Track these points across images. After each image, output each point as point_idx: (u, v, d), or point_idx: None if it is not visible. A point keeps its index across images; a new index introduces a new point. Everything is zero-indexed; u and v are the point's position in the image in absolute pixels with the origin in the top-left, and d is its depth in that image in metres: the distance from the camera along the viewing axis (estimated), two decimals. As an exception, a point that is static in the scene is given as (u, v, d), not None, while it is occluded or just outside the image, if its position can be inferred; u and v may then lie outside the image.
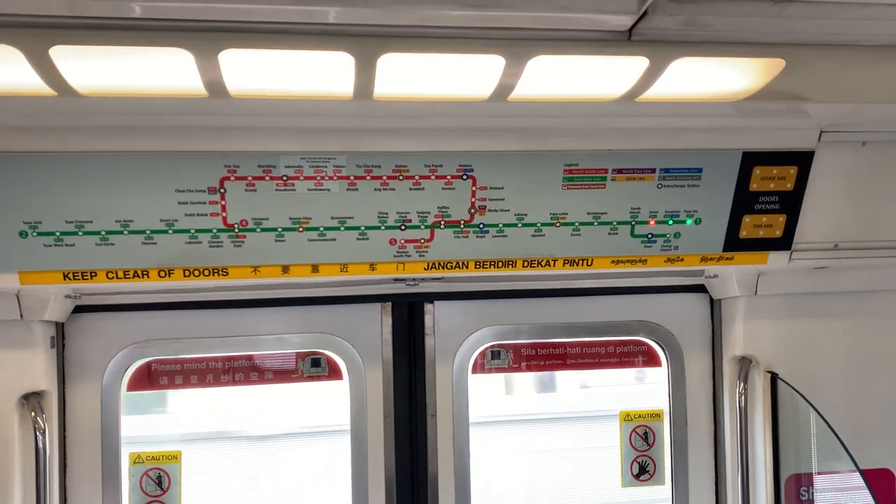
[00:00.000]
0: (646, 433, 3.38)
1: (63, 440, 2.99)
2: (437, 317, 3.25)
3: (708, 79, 2.26)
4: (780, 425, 3.15)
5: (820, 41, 2.08)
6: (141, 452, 3.08)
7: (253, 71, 2.06)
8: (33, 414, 2.75)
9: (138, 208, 2.52)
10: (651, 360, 3.44)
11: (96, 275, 2.58)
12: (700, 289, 3.35)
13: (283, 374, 3.24)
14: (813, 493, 3.18)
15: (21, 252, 2.50)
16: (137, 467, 3.07)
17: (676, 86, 2.23)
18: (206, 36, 1.89)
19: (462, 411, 3.25)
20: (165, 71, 2.02)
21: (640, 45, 2.01)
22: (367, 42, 1.94)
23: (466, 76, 2.14)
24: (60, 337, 2.99)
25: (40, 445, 2.73)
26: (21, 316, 2.73)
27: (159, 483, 3.07)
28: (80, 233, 2.51)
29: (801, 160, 2.74)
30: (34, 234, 2.49)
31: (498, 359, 3.38)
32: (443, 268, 2.79)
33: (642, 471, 3.37)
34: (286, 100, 2.28)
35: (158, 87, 2.11)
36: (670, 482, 3.37)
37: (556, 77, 2.16)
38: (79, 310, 2.99)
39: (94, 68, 2.00)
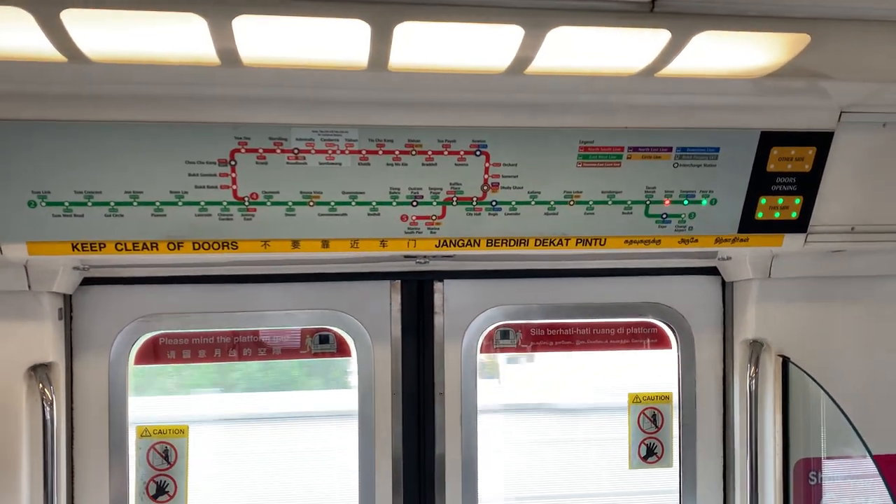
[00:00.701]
0: (654, 415, 3.36)
1: (70, 412, 2.98)
2: (447, 295, 3.22)
3: (730, 54, 2.22)
4: (791, 409, 3.13)
5: (846, 16, 2.03)
6: (148, 426, 3.07)
7: (267, 39, 2.02)
8: (41, 385, 2.74)
9: (148, 179, 2.49)
10: (661, 342, 3.41)
11: (105, 246, 2.56)
12: (712, 271, 3.31)
13: (290, 350, 3.22)
14: (822, 477, 3.16)
15: (29, 222, 2.48)
16: (144, 440, 3.06)
17: (697, 61, 2.19)
18: (220, 1, 1.85)
19: (470, 390, 3.23)
20: (178, 38, 1.98)
21: (663, 17, 1.96)
22: (383, 10, 1.90)
23: (484, 47, 2.10)
24: (68, 309, 2.97)
25: (48, 417, 2.73)
26: (29, 287, 2.71)
27: (166, 457, 3.07)
28: (90, 203, 2.49)
29: (820, 141, 2.69)
30: (43, 203, 2.46)
31: (507, 338, 3.35)
32: (454, 245, 2.76)
33: (650, 453, 3.35)
34: (298, 71, 2.24)
35: (170, 54, 2.07)
36: (678, 464, 3.36)
37: (576, 50, 2.12)
38: (87, 282, 2.97)
39: (105, 34, 1.96)
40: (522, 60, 2.13)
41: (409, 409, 3.21)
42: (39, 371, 2.77)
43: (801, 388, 3.12)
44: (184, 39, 1.98)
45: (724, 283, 3.33)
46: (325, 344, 3.23)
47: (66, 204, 2.47)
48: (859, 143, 2.73)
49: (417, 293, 3.22)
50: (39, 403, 2.74)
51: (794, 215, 2.81)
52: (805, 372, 3.06)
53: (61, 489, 2.85)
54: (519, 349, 3.40)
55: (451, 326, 3.22)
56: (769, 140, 2.67)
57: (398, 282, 3.20)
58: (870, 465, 3.08)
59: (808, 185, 2.76)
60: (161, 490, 3.06)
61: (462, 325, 3.23)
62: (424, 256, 3.03)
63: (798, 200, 2.79)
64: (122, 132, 2.40)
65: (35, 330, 2.78)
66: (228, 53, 2.03)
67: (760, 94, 2.58)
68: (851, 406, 3.02)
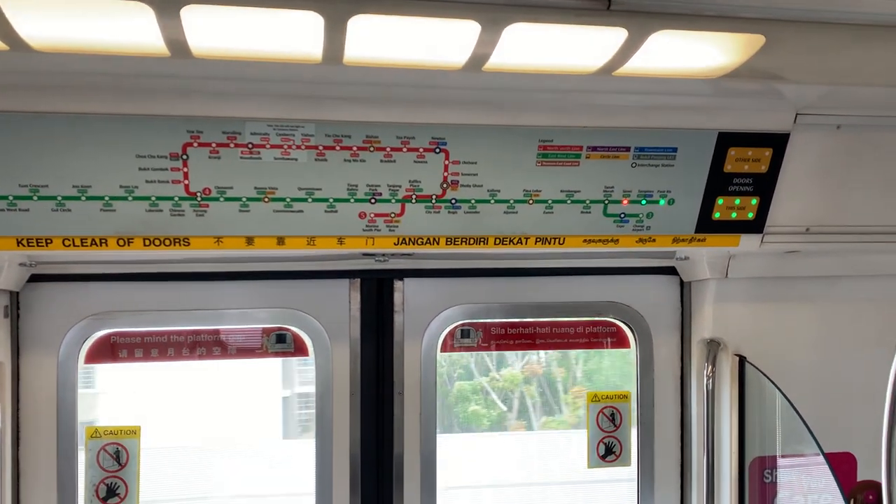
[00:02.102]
0: (613, 414, 3.37)
1: (16, 413, 2.89)
2: (407, 294, 3.20)
3: (686, 54, 2.22)
4: (747, 408, 3.16)
5: (800, 17, 2.04)
6: (98, 427, 3.00)
7: (217, 30, 1.97)
8: None
9: (96, 173, 2.42)
10: (620, 341, 3.42)
11: (52, 242, 2.49)
12: (670, 271, 3.34)
13: (247, 350, 3.16)
14: (776, 475, 3.20)
15: None
16: (95, 441, 2.98)
17: (654, 60, 2.19)
18: None
19: (430, 390, 3.21)
20: (126, 27, 1.93)
21: (620, 16, 1.96)
22: (337, 2, 1.86)
23: (441, 43, 2.07)
24: (15, 307, 2.89)
25: None
26: None
27: (117, 458, 2.99)
28: (35, 197, 2.41)
29: (776, 142, 2.72)
30: None
31: (467, 337, 3.34)
32: (413, 243, 2.73)
33: (608, 451, 3.36)
34: (253, 63, 2.20)
35: (118, 44, 2.01)
36: (636, 463, 3.37)
37: (533, 47, 2.10)
38: (36, 279, 2.89)
39: (48, 21, 1.90)
40: (480, 57, 2.12)
41: (368, 409, 3.18)
42: None
43: (757, 387, 3.15)
44: (132, 29, 1.93)
45: (682, 283, 3.35)
46: (282, 343, 3.18)
47: (11, 198, 2.40)
48: (814, 145, 2.77)
49: (377, 292, 3.19)
50: None
51: (750, 216, 2.84)
52: (761, 371, 3.09)
53: (6, 492, 2.76)
54: (479, 348, 3.39)
55: (412, 325, 3.19)
56: (726, 141, 2.69)
57: (357, 280, 3.16)
58: (822, 463, 3.13)
59: (764, 185, 2.79)
60: (112, 492, 2.98)
61: (422, 324, 3.20)
62: (384, 254, 3.00)
63: (754, 201, 2.81)
64: (69, 124, 2.33)
65: None
66: (178, 45, 1.98)
67: (717, 94, 2.60)
68: (805, 405, 3.06)
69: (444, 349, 3.28)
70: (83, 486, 2.98)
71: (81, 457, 2.98)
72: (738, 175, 2.76)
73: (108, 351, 3.05)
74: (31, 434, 2.92)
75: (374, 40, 2.03)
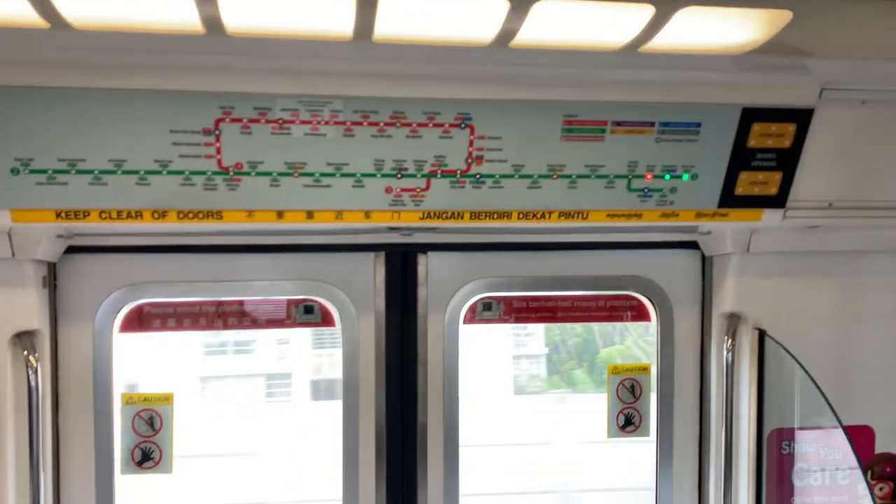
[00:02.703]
0: (632, 386, 3.42)
1: (55, 380, 3.00)
2: (430, 267, 3.25)
3: (712, 30, 2.24)
4: (766, 381, 3.20)
5: None
6: (133, 394, 3.10)
7: (252, 7, 2.01)
8: (25, 353, 2.75)
9: (132, 148, 2.49)
10: (641, 314, 3.46)
11: (89, 214, 2.56)
12: (692, 245, 3.36)
13: (275, 320, 3.24)
14: (794, 447, 3.25)
15: (13, 189, 2.47)
16: (129, 408, 3.08)
17: (680, 36, 2.21)
18: None
19: (452, 361, 3.27)
20: (162, 5, 1.97)
21: None
22: None
23: (469, 20, 2.10)
24: (52, 277, 2.97)
25: (32, 384, 2.74)
26: (13, 254, 2.71)
27: (151, 424, 3.09)
28: (73, 171, 2.48)
29: (801, 117, 2.72)
30: (26, 171, 2.46)
31: (489, 310, 3.39)
32: (438, 218, 2.78)
33: (628, 422, 3.42)
34: (283, 41, 2.24)
35: (154, 21, 2.06)
36: (655, 434, 3.43)
37: (560, 24, 2.13)
38: (71, 250, 2.97)
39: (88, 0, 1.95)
40: (507, 33, 2.14)
41: (393, 379, 3.25)
42: (24, 339, 2.77)
43: (777, 360, 3.19)
44: (168, 7, 1.97)
45: (703, 257, 3.38)
46: (310, 314, 3.25)
47: (50, 171, 2.47)
48: (839, 120, 2.77)
49: (401, 265, 3.24)
50: (24, 371, 2.75)
51: (773, 191, 2.85)
52: (780, 345, 3.12)
53: (47, 455, 2.87)
54: (501, 321, 3.44)
55: (435, 298, 3.25)
56: (750, 116, 2.70)
57: (382, 254, 3.22)
58: (841, 436, 3.17)
59: (787, 161, 2.80)
60: (146, 456, 3.09)
61: (445, 297, 3.26)
62: (409, 228, 3.05)
63: (777, 176, 2.83)
64: (107, 100, 2.39)
65: (19, 297, 2.78)
66: (212, 22, 2.03)
67: (742, 70, 2.60)
68: (824, 379, 3.09)
69: (466, 322, 3.33)
70: (119, 450, 3.09)
71: (117, 423, 3.08)
72: (762, 150, 2.77)
73: (142, 321, 3.14)
74: (69, 401, 3.03)
75: (404, 17, 2.07)
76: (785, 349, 3.12)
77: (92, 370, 3.03)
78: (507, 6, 1.98)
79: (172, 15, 2.01)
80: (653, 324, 3.42)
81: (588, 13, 2.07)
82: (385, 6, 1.98)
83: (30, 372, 2.74)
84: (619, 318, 3.48)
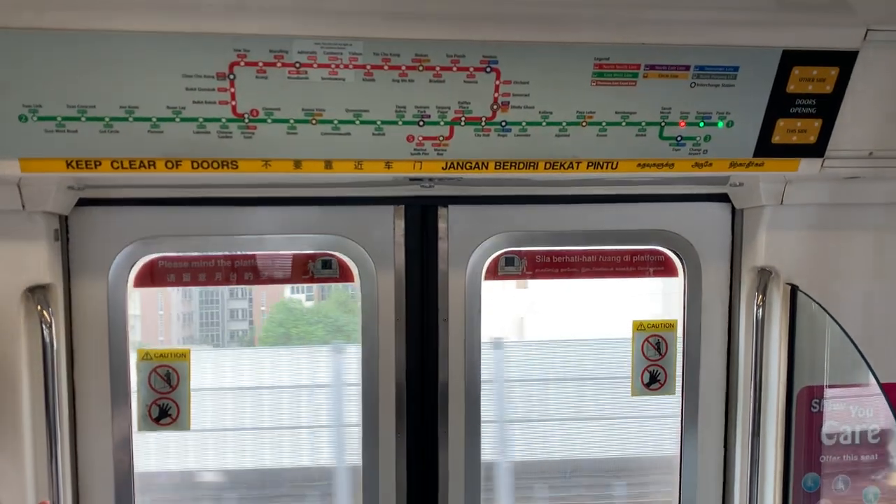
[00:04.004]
0: (658, 343, 3.34)
1: (70, 335, 2.94)
2: (451, 221, 3.16)
3: None
4: (797, 338, 3.11)
5: None
6: (149, 349, 3.05)
7: None
8: (39, 307, 2.69)
9: (143, 94, 2.38)
10: (667, 269, 3.37)
11: (101, 164, 2.47)
12: (721, 198, 3.25)
13: (293, 275, 3.17)
14: (824, 405, 3.17)
15: (21, 137, 2.38)
16: (146, 363, 3.03)
17: None
18: None
19: (474, 317, 3.20)
20: None
21: None
22: None
23: None
24: (65, 230, 2.90)
25: (47, 339, 2.69)
26: (23, 206, 2.63)
27: (168, 380, 3.04)
28: (83, 118, 2.39)
29: (844, 61, 2.59)
30: (34, 118, 2.36)
31: (512, 265, 3.31)
32: (461, 168, 2.68)
33: (653, 380, 3.35)
34: None
35: None
36: (680, 392, 3.36)
37: None
38: (83, 203, 2.89)
39: None
40: None
41: (413, 336, 3.18)
42: (37, 293, 2.71)
43: (809, 316, 3.10)
44: None
45: (733, 210, 3.27)
46: (328, 269, 3.18)
47: (59, 119, 2.37)
48: (884, 64, 2.63)
49: (421, 218, 3.15)
50: (38, 325, 2.69)
51: (812, 139, 2.73)
52: (815, 300, 3.03)
53: (63, 410, 2.83)
54: (524, 276, 3.36)
55: (456, 253, 3.17)
56: (791, 59, 2.56)
57: (402, 207, 3.13)
58: (873, 393, 3.10)
59: (828, 107, 2.67)
60: (164, 413, 3.05)
61: (466, 251, 3.17)
62: (430, 179, 2.95)
63: (817, 123, 2.70)
64: (116, 43, 2.28)
65: (31, 251, 2.71)
66: None
67: (783, 9, 2.47)
68: (858, 335, 3.01)
69: (487, 277, 3.25)
70: (136, 406, 3.04)
71: (134, 379, 3.04)
72: (802, 96, 2.64)
73: (156, 275, 3.07)
74: (85, 356, 2.98)
75: None
76: (819, 305, 3.02)
77: (107, 325, 2.97)
78: None
79: None
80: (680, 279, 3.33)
81: None
82: None
83: (44, 327, 2.68)
84: (646, 274, 3.38)
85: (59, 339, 2.79)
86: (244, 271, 3.15)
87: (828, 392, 3.18)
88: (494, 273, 3.29)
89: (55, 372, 2.70)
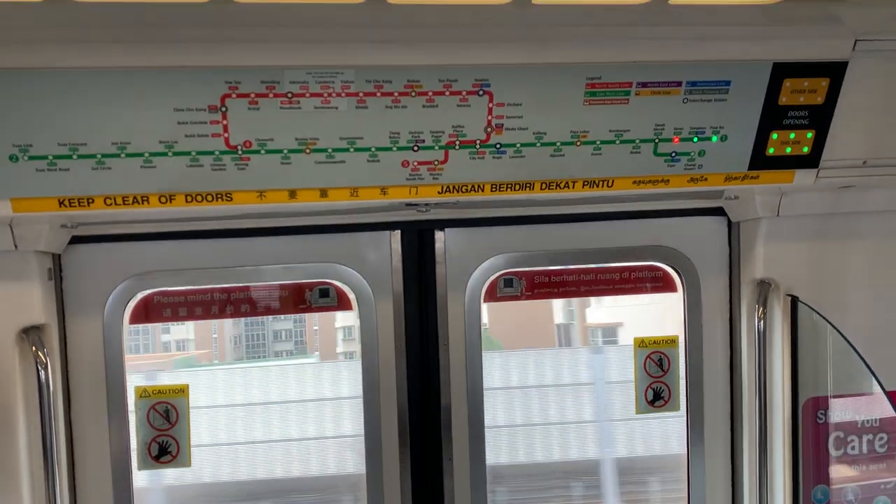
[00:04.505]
0: (660, 359, 3.32)
1: (66, 375, 2.90)
2: (448, 244, 3.14)
3: None
4: (800, 349, 3.10)
5: None
6: (147, 386, 3.00)
7: None
8: (34, 348, 2.65)
9: (135, 129, 2.37)
10: (666, 285, 3.35)
11: (93, 201, 2.45)
12: (717, 211, 3.24)
13: (290, 305, 3.14)
14: (830, 416, 3.15)
15: (12, 178, 2.36)
16: (144, 401, 2.99)
17: None
18: None
19: (474, 340, 3.17)
20: None
21: None
22: None
23: None
24: (58, 269, 2.87)
25: (43, 380, 2.64)
26: (15, 246, 2.60)
27: (167, 417, 3.00)
28: (75, 156, 2.36)
29: (834, 71, 2.60)
30: (25, 157, 2.34)
31: (510, 286, 3.28)
32: (457, 191, 2.67)
33: (657, 397, 3.32)
34: (291, 6, 2.12)
35: None
36: (685, 408, 3.33)
37: None
38: (76, 240, 2.86)
39: None
40: None
41: (414, 362, 3.15)
42: (32, 334, 2.67)
43: (810, 327, 3.09)
44: None
45: (729, 223, 3.26)
46: (326, 298, 3.15)
47: (50, 157, 2.35)
48: (874, 73, 2.64)
49: (418, 243, 3.14)
50: (34, 367, 2.65)
51: (805, 150, 2.73)
52: (816, 311, 3.01)
53: (61, 452, 2.78)
54: (523, 297, 3.33)
55: (454, 276, 3.15)
56: (781, 71, 2.57)
57: (398, 232, 3.11)
58: (878, 402, 3.08)
59: (820, 118, 2.68)
60: (163, 450, 3.00)
61: (465, 274, 3.15)
62: (426, 204, 2.93)
63: (810, 134, 2.71)
64: (107, 79, 2.27)
65: (24, 291, 2.67)
66: None
67: (772, 22, 2.49)
68: (862, 343, 3.00)
69: (486, 299, 3.23)
70: (135, 445, 2.99)
71: (132, 417, 2.99)
72: (794, 108, 2.65)
73: (152, 311, 3.03)
74: (81, 395, 2.93)
75: None
76: (821, 315, 3.01)
77: (103, 364, 2.93)
78: None
79: None
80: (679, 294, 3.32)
81: None
82: None
83: (39, 368, 2.64)
84: (645, 290, 3.37)
85: (56, 380, 2.75)
86: (241, 303, 3.11)
87: (833, 402, 3.16)
88: (493, 295, 3.27)
89: (52, 414, 2.65)
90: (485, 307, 3.21)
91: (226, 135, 2.42)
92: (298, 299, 3.14)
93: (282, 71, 2.36)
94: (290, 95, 2.39)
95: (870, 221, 3.07)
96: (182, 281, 3.01)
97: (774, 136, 2.69)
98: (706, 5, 2.28)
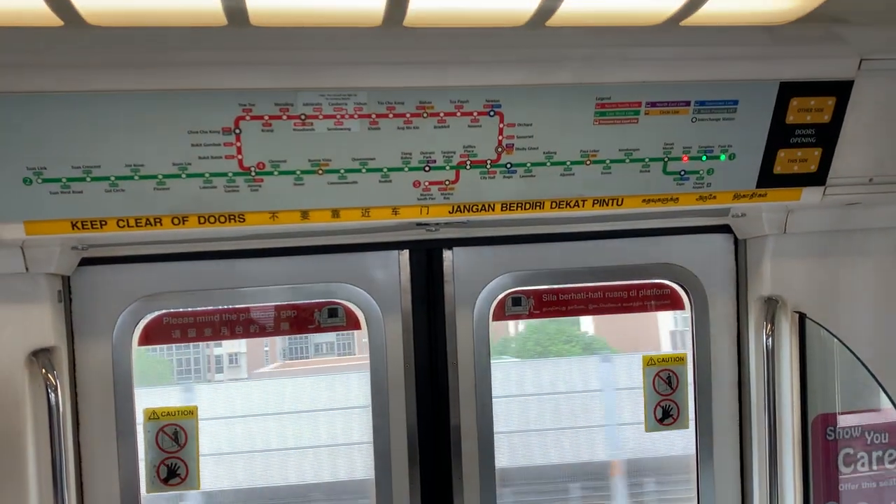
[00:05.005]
0: (669, 377, 3.32)
1: (74, 397, 2.88)
2: (456, 263, 3.15)
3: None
4: (808, 366, 3.10)
5: None
6: (156, 408, 2.98)
7: None
8: (44, 371, 2.63)
9: (149, 151, 2.37)
10: (674, 303, 3.36)
11: (106, 223, 2.45)
12: (724, 229, 3.26)
13: (299, 325, 3.13)
14: (840, 432, 3.15)
15: (26, 200, 2.36)
16: (153, 423, 2.97)
17: (723, 6, 2.11)
18: None
19: (483, 359, 3.17)
20: None
21: None
22: None
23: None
24: (67, 291, 2.86)
25: (52, 402, 2.62)
26: (26, 269, 2.59)
27: (175, 439, 2.98)
28: (88, 178, 2.37)
29: (840, 90, 2.63)
30: (39, 180, 2.34)
31: (519, 305, 3.29)
32: (468, 211, 2.68)
33: (666, 415, 3.32)
34: (305, 31, 2.14)
35: (174, 14, 1.95)
36: (694, 426, 3.33)
37: None
38: (85, 262, 2.86)
39: None
40: (546, 10, 2.04)
41: (423, 381, 3.15)
42: (41, 356, 2.66)
43: (819, 343, 3.09)
44: None
45: (736, 241, 3.28)
46: (335, 318, 3.15)
47: (64, 180, 2.35)
48: (879, 92, 2.68)
49: (427, 262, 3.14)
50: (43, 389, 2.63)
51: (812, 168, 2.76)
52: (824, 327, 3.02)
53: (70, 476, 2.76)
54: (531, 315, 3.34)
55: (462, 295, 3.15)
56: (788, 91, 2.60)
57: (406, 251, 3.11)
58: (888, 418, 3.08)
59: (827, 136, 2.70)
60: (172, 473, 2.98)
61: (473, 293, 3.16)
62: (436, 224, 2.94)
63: (817, 152, 2.73)
64: (121, 102, 2.28)
65: (34, 313, 2.67)
66: (236, 12, 1.92)
67: (779, 43, 2.52)
68: (870, 359, 3.00)
69: (495, 318, 3.23)
70: (143, 467, 2.97)
71: (141, 439, 2.97)
72: (801, 126, 2.68)
73: (162, 332, 3.03)
74: (90, 418, 2.91)
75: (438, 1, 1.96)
76: (829, 331, 3.02)
77: (112, 386, 2.91)
78: None
79: (193, 5, 1.90)
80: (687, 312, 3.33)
81: None
82: None
83: (49, 391, 2.62)
84: (653, 308, 3.38)
85: (65, 403, 2.73)
86: (250, 323, 3.11)
87: (842, 419, 3.16)
88: (502, 313, 3.27)
89: (62, 437, 2.64)
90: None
91: (239, 156, 2.42)
92: (307, 319, 3.14)
93: (295, 93, 2.37)
94: (303, 117, 2.40)
95: (876, 238, 3.09)
96: (191, 302, 3.01)
97: (782, 154, 2.72)
98: (714, 27, 2.31)
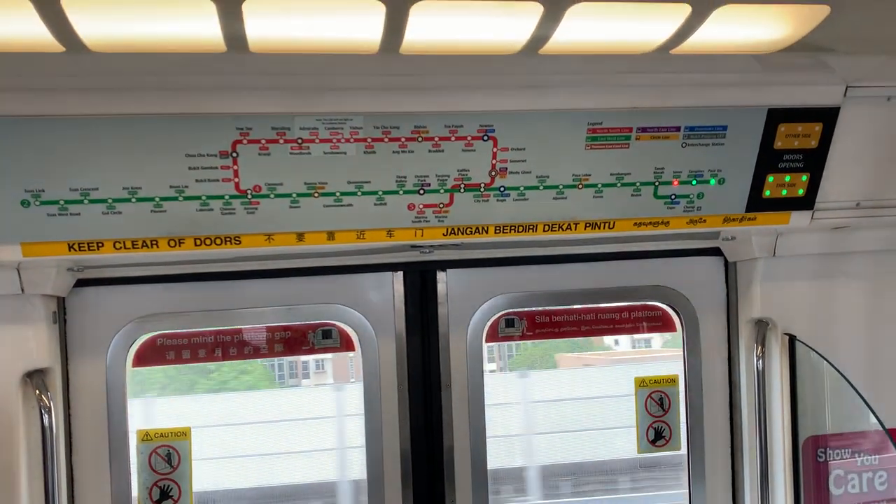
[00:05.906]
0: (661, 399, 3.34)
1: (68, 418, 2.88)
2: (450, 285, 3.17)
3: (743, 29, 2.19)
4: (798, 388, 3.13)
5: None
6: (149, 430, 2.98)
7: (277, 23, 1.94)
8: (38, 392, 2.63)
9: (146, 174, 2.40)
10: (665, 325, 3.39)
11: (103, 245, 2.46)
12: (714, 252, 3.30)
13: (293, 346, 3.14)
14: (831, 454, 3.17)
15: (23, 222, 2.38)
16: (146, 445, 2.96)
17: (712, 36, 2.16)
18: None
19: (477, 380, 3.18)
20: (184, 24, 1.90)
21: None
22: None
23: (503, 25, 2.03)
24: (62, 312, 2.87)
25: (46, 424, 2.62)
26: (22, 290, 2.60)
27: (168, 460, 2.98)
28: (86, 201, 2.39)
29: (827, 116, 2.68)
30: (37, 203, 2.36)
31: (512, 326, 3.31)
32: (462, 233, 2.71)
33: (658, 436, 3.33)
34: (302, 57, 2.17)
35: (174, 41, 1.98)
36: (686, 447, 3.34)
37: (594, 27, 2.07)
38: (80, 283, 2.86)
39: (108, 21, 1.87)
40: (538, 39, 2.08)
41: (416, 403, 3.16)
42: (35, 377, 2.66)
43: (808, 366, 3.13)
44: (190, 25, 1.90)
45: (726, 263, 3.32)
46: (328, 339, 3.16)
47: (62, 202, 2.37)
48: (865, 118, 2.73)
49: (420, 284, 3.16)
50: (37, 410, 2.63)
51: (800, 192, 2.80)
52: (814, 349, 3.06)
53: (62, 496, 2.75)
54: (524, 337, 3.36)
55: (456, 316, 3.17)
56: (776, 117, 2.65)
57: (400, 273, 3.14)
58: (877, 440, 3.11)
59: (814, 161, 2.75)
60: (165, 495, 2.97)
61: (466, 314, 3.18)
62: (431, 245, 2.97)
63: (805, 177, 2.78)
64: (119, 126, 2.31)
65: (29, 335, 2.67)
66: (236, 39, 1.95)
67: (767, 70, 2.57)
68: (859, 382, 3.03)
69: (488, 339, 3.25)
70: (136, 489, 2.96)
71: (134, 461, 2.96)
72: (789, 151, 2.73)
73: (155, 353, 3.03)
74: (83, 439, 2.91)
75: (434, 27, 2.00)
76: (819, 354, 3.05)
77: (105, 407, 2.91)
78: (541, 10, 1.92)
79: (194, 33, 1.93)
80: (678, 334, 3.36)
81: (623, 12, 2.01)
82: (416, 17, 1.91)
83: (43, 412, 2.62)
84: (644, 330, 3.41)
85: (59, 424, 2.73)
86: (244, 345, 3.12)
87: (833, 441, 3.18)
88: (495, 335, 3.29)
89: (55, 458, 2.63)
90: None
91: (236, 179, 2.45)
92: (301, 340, 3.15)
93: (292, 118, 2.40)
94: (299, 141, 2.43)
95: (864, 261, 3.13)
96: (185, 323, 3.02)
97: (770, 178, 2.76)
98: (704, 55, 2.36)
